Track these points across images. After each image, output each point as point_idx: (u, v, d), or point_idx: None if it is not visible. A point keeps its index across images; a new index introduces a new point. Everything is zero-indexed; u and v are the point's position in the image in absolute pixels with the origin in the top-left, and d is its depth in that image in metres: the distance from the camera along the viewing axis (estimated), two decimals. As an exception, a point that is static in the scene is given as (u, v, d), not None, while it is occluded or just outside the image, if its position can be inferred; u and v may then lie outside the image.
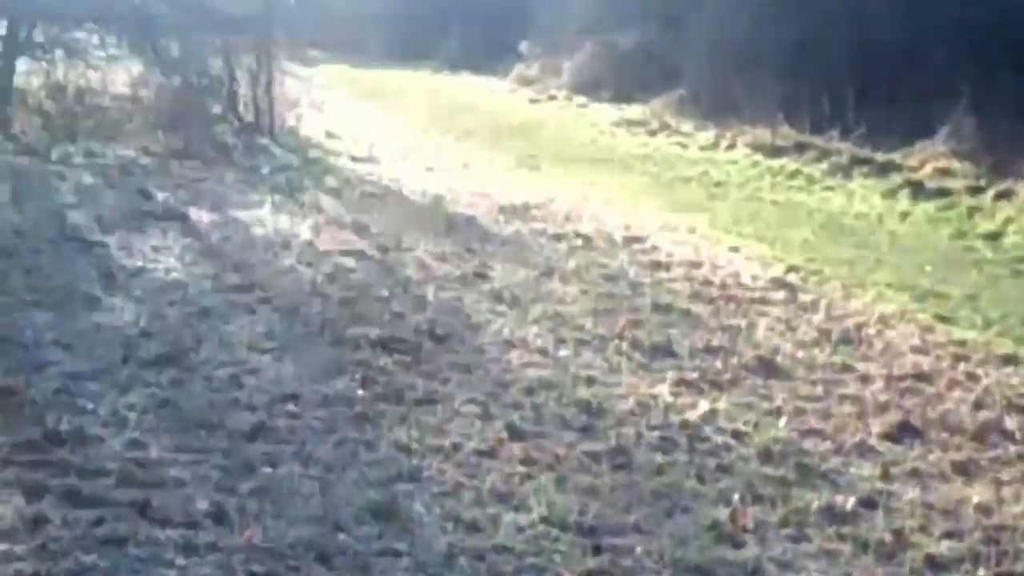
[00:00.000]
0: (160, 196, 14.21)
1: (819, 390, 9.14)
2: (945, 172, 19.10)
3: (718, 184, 19.21)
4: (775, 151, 21.01)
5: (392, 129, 22.51)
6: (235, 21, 19.46)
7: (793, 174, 19.71)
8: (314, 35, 24.89)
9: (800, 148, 21.01)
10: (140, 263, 11.23)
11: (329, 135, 20.71)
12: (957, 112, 20.20)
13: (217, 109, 19.98)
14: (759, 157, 20.80)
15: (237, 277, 10.98)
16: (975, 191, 18.14)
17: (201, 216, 13.25)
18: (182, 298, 10.16)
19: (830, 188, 19.01)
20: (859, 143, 20.89)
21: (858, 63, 22.41)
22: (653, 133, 23.28)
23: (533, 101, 26.57)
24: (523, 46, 29.02)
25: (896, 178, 19.10)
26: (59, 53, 19.12)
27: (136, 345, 8.87)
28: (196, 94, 19.70)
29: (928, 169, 19.33)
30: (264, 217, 13.26)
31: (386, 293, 10.77)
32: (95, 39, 19.78)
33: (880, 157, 20.13)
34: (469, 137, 22.12)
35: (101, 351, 8.70)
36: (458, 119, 23.93)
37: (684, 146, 22.15)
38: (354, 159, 18.75)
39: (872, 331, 10.84)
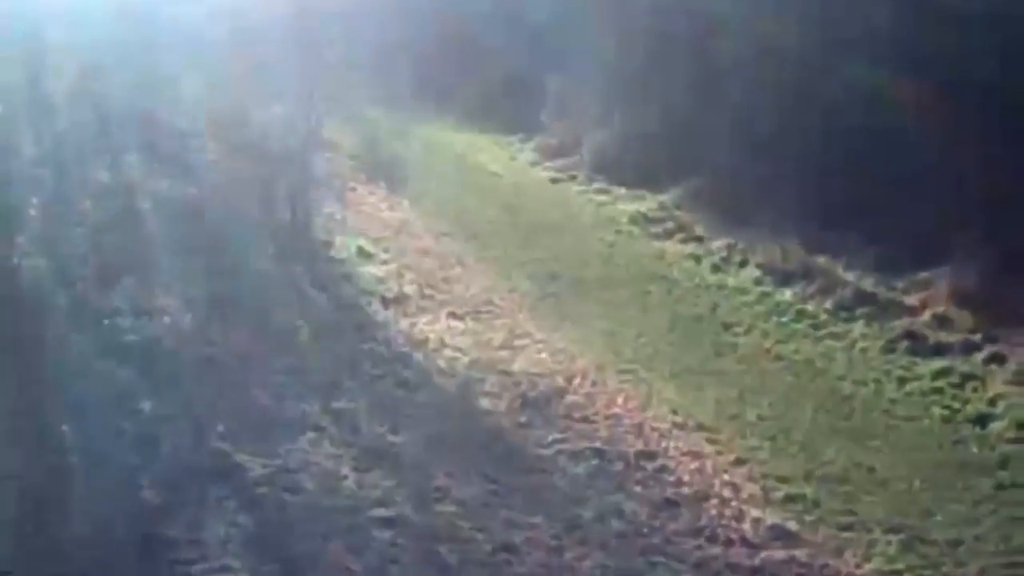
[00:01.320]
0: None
1: None
2: (943, 322, 20.14)
3: (727, 328, 20.23)
4: (784, 278, 21.98)
5: (413, 231, 23.43)
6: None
7: (799, 315, 20.71)
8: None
9: (807, 275, 21.97)
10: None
11: (361, 253, 21.68)
12: (962, 251, 21.18)
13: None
14: (768, 286, 21.79)
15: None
16: (970, 349, 19.21)
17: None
18: None
19: (835, 335, 20.02)
20: (864, 268, 21.89)
21: (877, 171, 23.23)
22: (670, 234, 24.24)
23: (555, 181, 27.47)
24: (544, 116, 29.78)
25: (896, 324, 20.10)
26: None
27: None
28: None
29: (927, 316, 20.36)
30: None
31: None
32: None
33: (883, 294, 21.13)
34: (490, 244, 23.10)
35: None
36: (481, 212, 24.87)
37: (698, 259, 23.11)
38: (384, 302, 19.72)
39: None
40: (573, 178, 27.49)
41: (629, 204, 25.79)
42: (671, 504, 14.25)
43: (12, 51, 18.97)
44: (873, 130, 23.77)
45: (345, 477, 13.93)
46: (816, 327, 20.48)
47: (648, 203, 25.63)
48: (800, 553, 13.42)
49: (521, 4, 31.22)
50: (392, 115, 22.97)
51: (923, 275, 21.53)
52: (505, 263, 22.51)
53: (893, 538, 13.99)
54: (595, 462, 15.06)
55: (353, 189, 23.92)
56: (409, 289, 20.59)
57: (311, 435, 14.94)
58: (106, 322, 17.96)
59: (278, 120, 21.19)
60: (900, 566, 13.36)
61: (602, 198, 26.26)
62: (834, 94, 24.47)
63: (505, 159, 29.16)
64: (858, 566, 13.25)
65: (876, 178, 23.18)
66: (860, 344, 19.75)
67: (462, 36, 32.19)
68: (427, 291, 20.64)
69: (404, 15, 29.08)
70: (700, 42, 27.12)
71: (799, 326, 20.53)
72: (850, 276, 21.78)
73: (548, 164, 28.46)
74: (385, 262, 21.78)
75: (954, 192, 22.00)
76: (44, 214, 20.22)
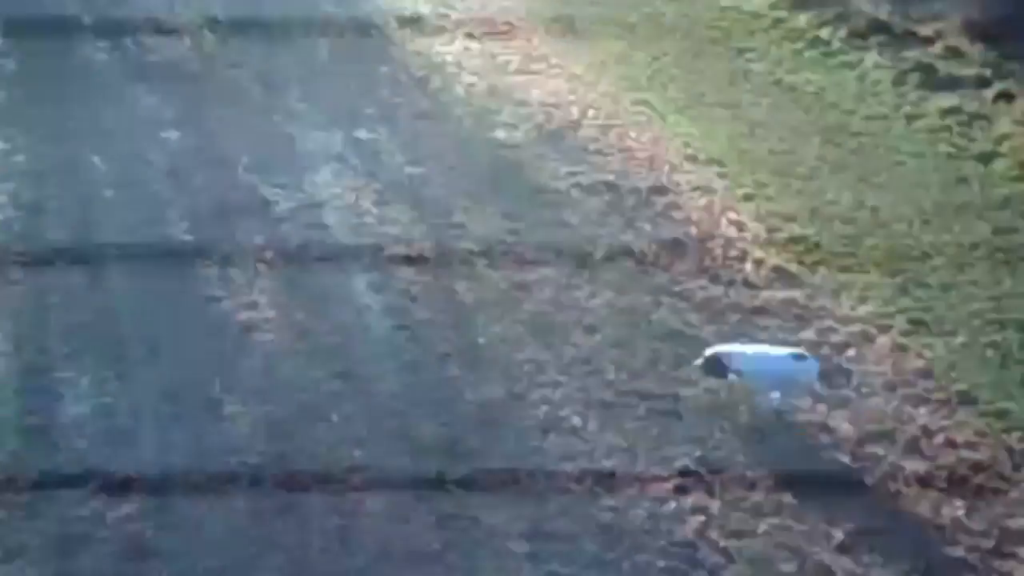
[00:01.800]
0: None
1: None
2: (956, 53, 20.34)
3: (741, 53, 20.44)
4: (801, 3, 21.98)
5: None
6: None
7: (813, 42, 20.86)
8: None
9: (823, 1, 21.98)
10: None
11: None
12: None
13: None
14: (783, 11, 21.83)
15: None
16: (980, 84, 19.48)
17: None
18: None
19: (847, 65, 20.22)
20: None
21: None
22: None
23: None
24: None
25: (908, 56, 20.29)
26: None
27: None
28: None
29: (940, 47, 20.54)
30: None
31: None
32: None
33: (897, 23, 21.22)
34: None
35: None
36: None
37: (713, -17, 23.02)
38: (400, 21, 19.94)
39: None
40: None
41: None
42: (679, 244, 14.77)
43: None
44: None
45: (367, 212, 14.40)
46: (829, 55, 20.61)
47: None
48: (799, 294, 13.98)
49: None
50: None
51: (939, 4, 21.48)
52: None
53: (890, 281, 14.52)
54: (607, 197, 15.51)
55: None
56: (425, 8, 20.66)
57: (334, 166, 15.34)
58: (128, 40, 18.21)
59: None
60: (891, 309, 13.93)
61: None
62: None
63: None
64: (852, 308, 13.83)
65: None
66: (872, 75, 19.90)
67: None
68: (443, 10, 20.72)
69: None
70: None
71: (812, 53, 20.65)
72: (865, 4, 21.73)
73: None
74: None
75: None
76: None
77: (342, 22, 19.83)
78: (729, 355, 11.82)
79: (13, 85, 16.27)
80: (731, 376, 11.74)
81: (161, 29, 18.45)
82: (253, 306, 12.51)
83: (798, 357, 11.96)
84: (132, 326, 12.15)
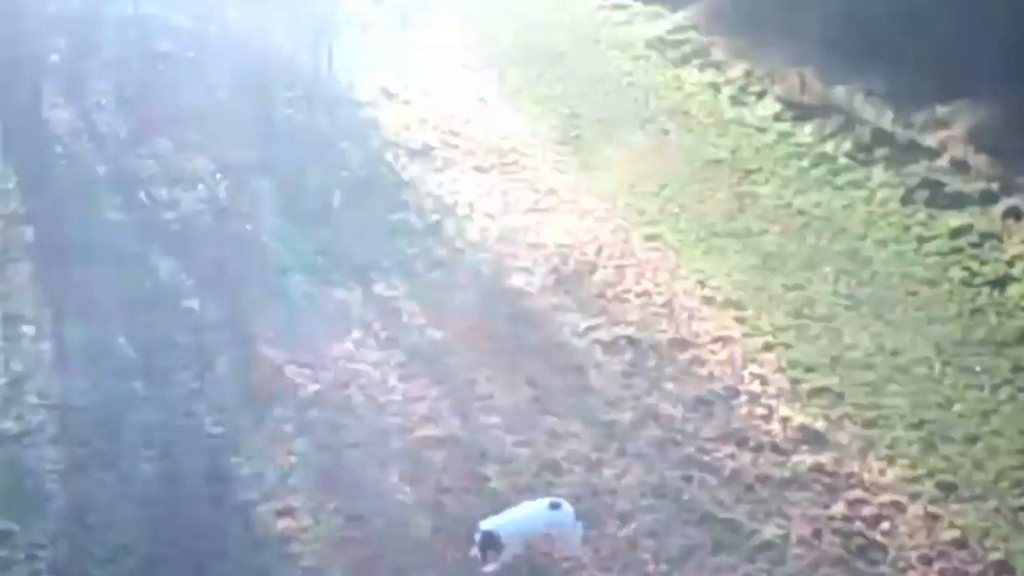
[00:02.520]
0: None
1: None
2: (962, 167, 20.47)
3: (748, 175, 20.55)
4: (803, 113, 22.16)
5: (431, 62, 23.42)
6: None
7: (819, 159, 20.99)
8: None
9: (826, 110, 22.15)
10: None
11: (384, 93, 21.79)
12: (984, 87, 21.31)
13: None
14: (787, 124, 21.99)
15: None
16: (988, 200, 19.62)
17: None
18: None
19: (854, 183, 20.37)
20: (882, 100, 22.03)
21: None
22: (687, 59, 24.24)
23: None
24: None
25: (914, 170, 20.44)
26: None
27: None
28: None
29: (945, 160, 20.67)
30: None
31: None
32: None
33: (900, 134, 21.36)
34: (507, 75, 23.24)
35: None
36: (496, 36, 24.80)
37: (717, 89, 23.21)
38: (410, 154, 19.99)
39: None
40: (588, -8, 27.17)
41: (646, 24, 25.70)
42: (704, 403, 14.85)
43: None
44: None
45: (393, 389, 14.45)
46: (835, 172, 20.80)
47: (665, 23, 25.48)
48: (826, 459, 14.06)
49: None
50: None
51: (942, 110, 21.66)
52: (524, 99, 22.62)
53: (915, 435, 14.62)
54: (629, 355, 15.59)
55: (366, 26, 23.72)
56: (433, 138, 20.77)
57: (357, 335, 15.39)
58: (142, 193, 18.27)
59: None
60: (921, 471, 14.02)
61: (619, 16, 26.07)
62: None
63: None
64: (882, 472, 13.92)
65: (898, 4, 22.98)
66: (879, 194, 20.10)
67: None
68: (451, 140, 20.83)
69: None
70: None
71: (819, 172, 20.82)
72: (868, 111, 21.89)
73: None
74: (407, 102, 21.88)
75: (979, 24, 21.85)
76: (67, 58, 20.27)
77: (352, 159, 19.85)
78: (498, 531, 11.93)
79: (35, 255, 16.25)
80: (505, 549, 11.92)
81: (173, 179, 18.41)
82: (289, 512, 12.51)
83: (554, 507, 12.32)
84: (170, 540, 12.13)
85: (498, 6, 26.45)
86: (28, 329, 14.72)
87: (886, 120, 21.67)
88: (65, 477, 12.64)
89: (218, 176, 18.67)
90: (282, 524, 12.40)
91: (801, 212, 19.62)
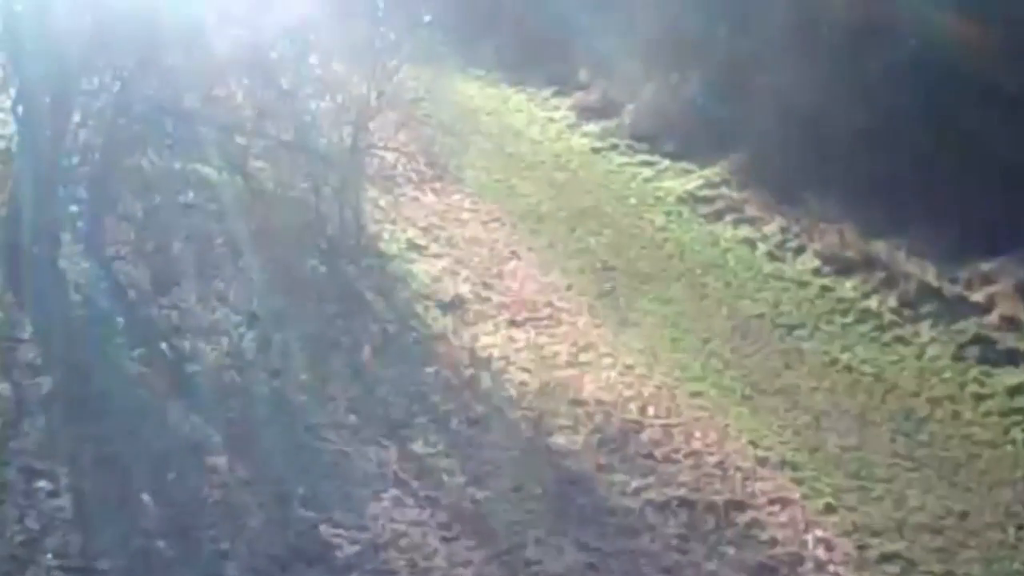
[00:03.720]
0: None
1: None
2: (1013, 323, 19.75)
3: (791, 331, 19.79)
4: (844, 267, 21.53)
5: (460, 216, 22.87)
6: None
7: (863, 314, 20.27)
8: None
9: (868, 264, 21.50)
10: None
11: (411, 245, 21.14)
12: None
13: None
14: (827, 279, 21.35)
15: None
16: (1043, 358, 18.86)
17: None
18: None
19: (902, 340, 19.63)
20: (925, 255, 21.40)
21: (939, 148, 22.64)
22: (720, 215, 23.69)
23: (596, 151, 26.76)
24: (583, 73, 29.00)
25: (964, 327, 19.70)
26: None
27: None
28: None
29: (995, 317, 19.96)
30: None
31: None
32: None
33: (947, 289, 20.67)
34: (539, 230, 22.61)
35: None
36: (524, 191, 24.31)
37: (753, 245, 22.60)
38: (442, 308, 19.23)
39: None
40: (615, 147, 26.81)
41: (675, 180, 25.20)
42: (767, 570, 13.87)
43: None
44: (934, 104, 23.09)
45: (435, 552, 13.45)
46: (881, 328, 20.12)
47: (695, 179, 25.03)
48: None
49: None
50: (418, 70, 22.23)
51: (987, 266, 21.08)
52: (557, 253, 22.01)
53: None
54: (684, 517, 14.65)
55: (392, 172, 23.17)
56: (464, 289, 20.10)
57: (393, 492, 14.43)
58: (164, 345, 17.45)
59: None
60: None
61: (647, 172, 25.64)
62: (894, 62, 23.74)
63: (543, 119, 28.43)
64: None
65: (938, 155, 22.59)
66: (929, 351, 19.37)
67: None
68: (483, 292, 20.13)
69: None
70: (747, 6, 26.25)
71: (864, 328, 20.13)
72: (912, 266, 21.27)
73: (587, 128, 27.74)
74: (437, 255, 21.27)
75: (1020, 181, 21.41)
76: (88, 216, 19.65)
77: (381, 312, 19.10)
78: None
79: (52, 408, 15.32)
80: None
81: (196, 330, 17.59)
82: None
83: None
84: None
85: (525, 164, 25.98)
86: (44, 484, 13.72)
87: (930, 275, 21.03)
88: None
89: (243, 329, 17.75)
90: None
91: (849, 369, 18.85)
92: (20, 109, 19.19)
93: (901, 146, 23.12)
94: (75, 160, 19.97)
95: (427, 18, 21.42)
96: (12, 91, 19.08)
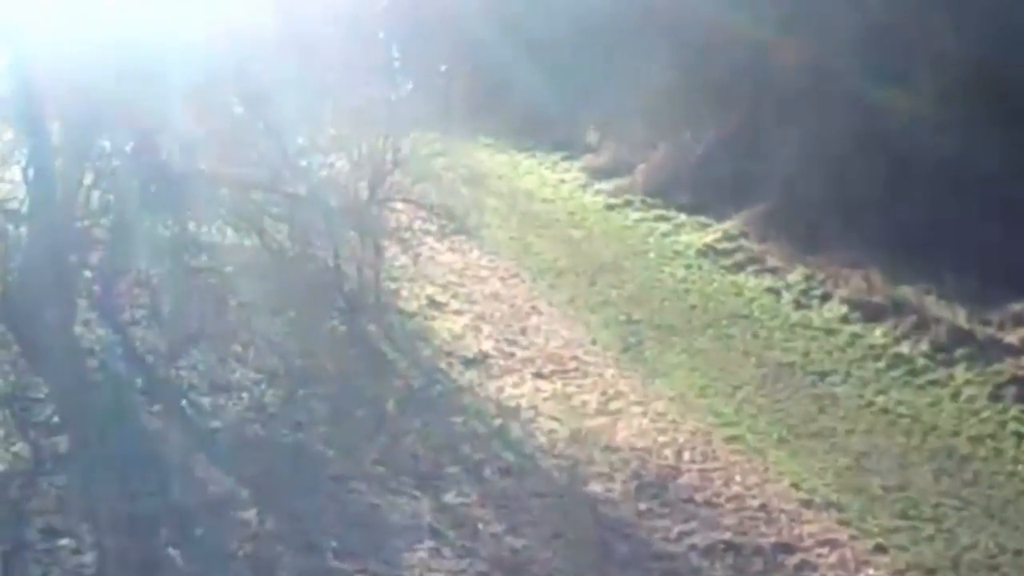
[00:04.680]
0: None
1: None
2: (1046, 362, 19.29)
3: (823, 377, 19.32)
4: (872, 313, 21.12)
5: (479, 273, 22.48)
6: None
7: (895, 359, 19.82)
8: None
9: (896, 310, 21.08)
10: None
11: (431, 303, 20.71)
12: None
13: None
14: (856, 325, 20.92)
15: None
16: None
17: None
18: None
19: (936, 383, 19.17)
20: (953, 299, 21.00)
21: (960, 192, 22.35)
22: (742, 267, 23.30)
23: (610, 207, 26.42)
24: (591, 136, 28.77)
25: (1000, 368, 19.26)
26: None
27: None
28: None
29: (1029, 359, 19.49)
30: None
31: None
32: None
33: (980, 331, 20.23)
34: (559, 285, 22.19)
35: None
36: (541, 248, 23.92)
37: (777, 294, 22.19)
38: (465, 363, 18.77)
39: None
40: (628, 203, 26.46)
41: (693, 234, 24.82)
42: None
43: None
44: (952, 151, 22.87)
45: (476, 603, 12.91)
46: (915, 373, 19.67)
47: (713, 232, 24.66)
48: None
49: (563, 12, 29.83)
50: (426, 136, 21.96)
51: (1017, 307, 20.67)
52: (579, 308, 21.57)
53: None
54: (731, 560, 14.13)
55: (406, 237, 22.76)
56: (487, 345, 19.65)
57: (429, 544, 13.87)
58: (183, 402, 16.96)
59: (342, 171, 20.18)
60: None
61: (663, 227, 25.26)
62: (911, 111, 23.54)
63: (553, 181, 28.16)
64: None
65: (958, 200, 22.30)
66: (965, 392, 18.93)
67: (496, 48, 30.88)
68: (507, 348, 19.68)
69: (425, 24, 27.63)
70: (758, 58, 26.06)
71: (897, 373, 19.68)
72: (941, 309, 20.85)
73: (599, 187, 27.44)
74: (458, 312, 20.85)
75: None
76: (102, 281, 19.24)
77: (404, 368, 18.63)
78: None
79: (70, 467, 14.81)
80: None
81: (216, 388, 17.12)
82: None
83: None
84: None
85: (540, 223, 25.63)
86: (67, 542, 13.18)
87: (961, 318, 20.60)
88: None
89: (263, 386, 17.29)
90: None
91: (885, 411, 18.42)
92: (31, 172, 18.81)
93: (920, 193, 22.81)
94: (87, 224, 19.55)
95: (443, 67, 21.13)
96: (24, 153, 18.69)
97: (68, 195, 18.98)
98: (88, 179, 19.07)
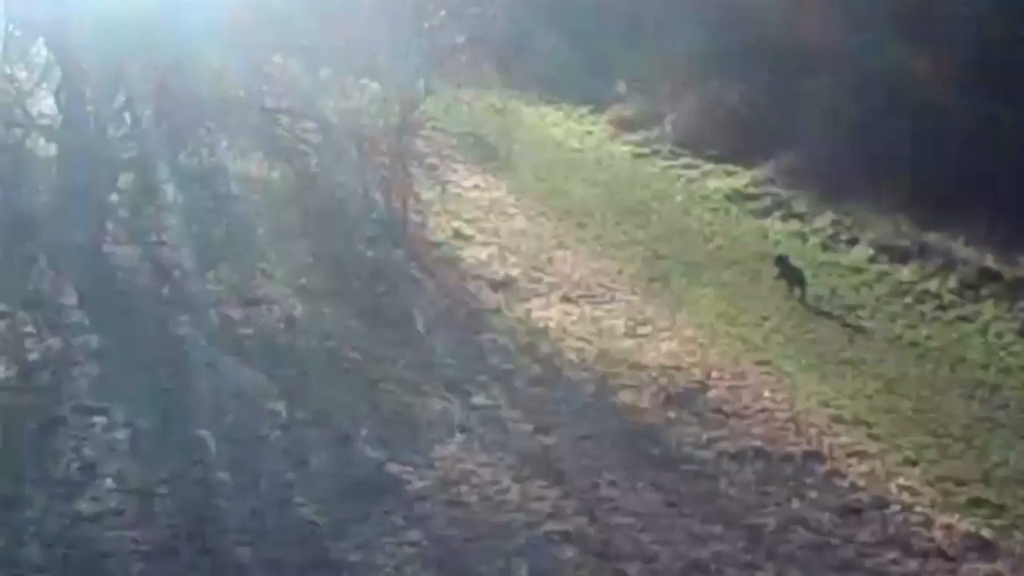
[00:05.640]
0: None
1: None
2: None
3: (852, 310, 19.25)
4: (899, 255, 21.01)
5: (506, 210, 22.40)
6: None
7: (923, 295, 19.73)
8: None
9: (923, 252, 20.99)
10: None
11: (457, 235, 20.65)
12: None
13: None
14: (885, 264, 20.84)
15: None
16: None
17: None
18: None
19: (964, 318, 19.10)
20: (981, 244, 20.91)
21: (986, 144, 22.23)
22: (768, 212, 23.21)
23: (637, 156, 26.31)
24: (620, 86, 28.64)
25: (1027, 303, 19.16)
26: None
27: None
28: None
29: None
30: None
31: None
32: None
33: (1007, 272, 20.14)
34: (585, 224, 22.09)
35: None
36: (568, 190, 23.83)
37: (804, 238, 22.10)
38: (492, 286, 18.71)
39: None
40: (656, 153, 26.34)
41: (721, 180, 24.71)
42: (852, 511, 13.23)
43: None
44: (981, 101, 22.76)
45: (507, 489, 12.84)
46: (943, 308, 19.61)
47: (741, 179, 24.55)
48: (1002, 567, 12.42)
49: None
50: (454, 88, 21.85)
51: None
52: (605, 245, 21.48)
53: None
54: (761, 466, 14.05)
55: (435, 167, 22.68)
56: (515, 272, 19.55)
57: (460, 438, 13.84)
58: (212, 312, 16.93)
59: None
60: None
61: (691, 174, 25.15)
62: (940, 61, 23.43)
63: (580, 133, 28.00)
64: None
65: (987, 153, 22.19)
66: (994, 328, 18.82)
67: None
68: (534, 274, 19.59)
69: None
70: (788, 11, 25.96)
71: (925, 308, 19.60)
72: (969, 252, 20.75)
73: (627, 137, 27.28)
74: (484, 244, 20.74)
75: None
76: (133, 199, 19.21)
77: (432, 289, 18.60)
78: None
79: (102, 361, 14.80)
80: None
81: (245, 301, 17.10)
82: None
83: None
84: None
85: (568, 168, 25.51)
86: (99, 420, 13.17)
87: (988, 260, 20.48)
88: (151, 558, 10.94)
89: (293, 300, 17.27)
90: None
91: (914, 344, 18.33)
92: (63, 95, 18.81)
93: (948, 145, 22.70)
94: (117, 150, 19.51)
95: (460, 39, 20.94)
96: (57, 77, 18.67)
97: (99, 119, 18.94)
98: (119, 103, 19.00)
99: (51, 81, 18.94)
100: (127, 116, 19.43)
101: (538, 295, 18.75)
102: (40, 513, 11.43)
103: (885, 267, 20.84)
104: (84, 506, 11.68)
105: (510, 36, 27.93)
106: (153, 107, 19.39)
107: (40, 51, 19.09)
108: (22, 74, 18.96)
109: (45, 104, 19.25)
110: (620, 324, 17.98)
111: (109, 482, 12.06)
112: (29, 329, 15.56)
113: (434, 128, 21.05)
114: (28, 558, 10.83)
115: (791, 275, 19.54)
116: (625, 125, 27.72)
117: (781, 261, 19.85)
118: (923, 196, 22.29)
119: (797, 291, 19.29)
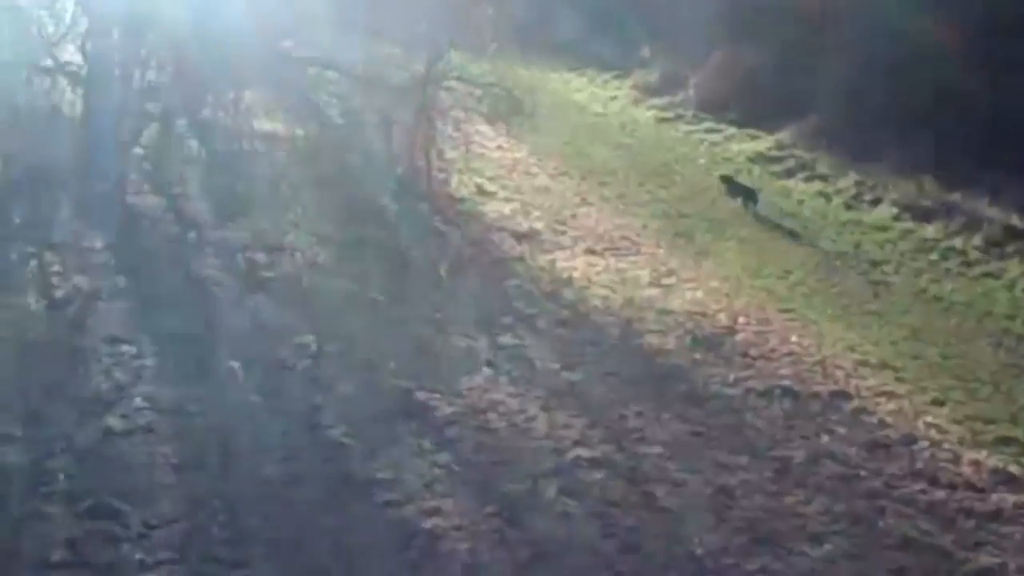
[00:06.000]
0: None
1: None
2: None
3: (876, 265, 19.21)
4: (923, 214, 20.97)
5: (527, 170, 22.39)
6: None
7: (948, 252, 19.70)
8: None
9: (948, 211, 20.94)
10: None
11: (480, 191, 20.65)
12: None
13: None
14: (909, 222, 20.81)
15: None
16: None
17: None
18: None
19: (990, 275, 19.05)
20: (1006, 203, 20.85)
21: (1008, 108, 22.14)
22: (792, 173, 23.20)
23: (661, 120, 26.31)
24: (644, 51, 28.65)
25: (1053, 257, 19.11)
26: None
27: None
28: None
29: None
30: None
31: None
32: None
33: (1032, 229, 20.09)
34: (609, 183, 22.09)
35: None
36: (591, 152, 23.82)
37: (828, 197, 22.09)
38: (517, 237, 18.71)
39: None
40: (679, 117, 26.38)
41: (744, 143, 24.74)
42: (880, 446, 13.21)
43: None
44: (1001, 69, 22.67)
45: (534, 418, 12.85)
46: (968, 264, 19.60)
47: (764, 142, 24.56)
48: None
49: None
50: (476, 55, 21.82)
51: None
52: (629, 202, 21.50)
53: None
54: (788, 403, 14.03)
55: (459, 127, 22.62)
56: (539, 225, 19.57)
57: (487, 372, 13.85)
58: (238, 256, 16.95)
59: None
60: None
61: (714, 137, 25.17)
62: (964, 21, 23.33)
63: (604, 98, 28.04)
64: (1097, 513, 12.18)
65: (1009, 117, 22.08)
66: (1020, 284, 18.75)
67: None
68: (557, 227, 19.60)
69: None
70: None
71: (950, 264, 19.58)
72: (993, 212, 20.70)
73: (651, 102, 27.30)
74: (508, 199, 20.74)
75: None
76: (156, 150, 19.23)
77: (456, 239, 18.59)
78: None
79: (126, 298, 14.83)
80: None
81: (270, 247, 17.10)
82: (438, 512, 10.81)
83: None
84: (312, 535, 10.44)
85: (591, 131, 25.52)
86: (128, 348, 13.20)
87: (1014, 218, 20.42)
88: (181, 470, 10.98)
89: (317, 247, 17.28)
90: (431, 522, 10.65)
91: (939, 299, 18.32)
92: (89, 45, 18.83)
93: (971, 108, 22.60)
94: (142, 102, 19.52)
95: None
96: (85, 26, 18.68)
97: (125, 69, 18.95)
98: (144, 53, 19.01)
99: (76, 34, 18.95)
100: (152, 69, 19.45)
101: (562, 247, 18.73)
102: (72, 428, 11.44)
103: (909, 225, 20.81)
104: (114, 422, 11.70)
105: (532, 3, 28.07)
106: (177, 60, 19.40)
107: (67, 2, 19.11)
108: (49, 28, 18.95)
109: (71, 56, 19.25)
110: (645, 275, 17.95)
111: (139, 401, 12.06)
112: (56, 268, 15.53)
113: (458, 79, 20.87)
114: (60, 468, 10.84)
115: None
116: (649, 90, 27.75)
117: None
118: (946, 157, 22.20)
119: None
